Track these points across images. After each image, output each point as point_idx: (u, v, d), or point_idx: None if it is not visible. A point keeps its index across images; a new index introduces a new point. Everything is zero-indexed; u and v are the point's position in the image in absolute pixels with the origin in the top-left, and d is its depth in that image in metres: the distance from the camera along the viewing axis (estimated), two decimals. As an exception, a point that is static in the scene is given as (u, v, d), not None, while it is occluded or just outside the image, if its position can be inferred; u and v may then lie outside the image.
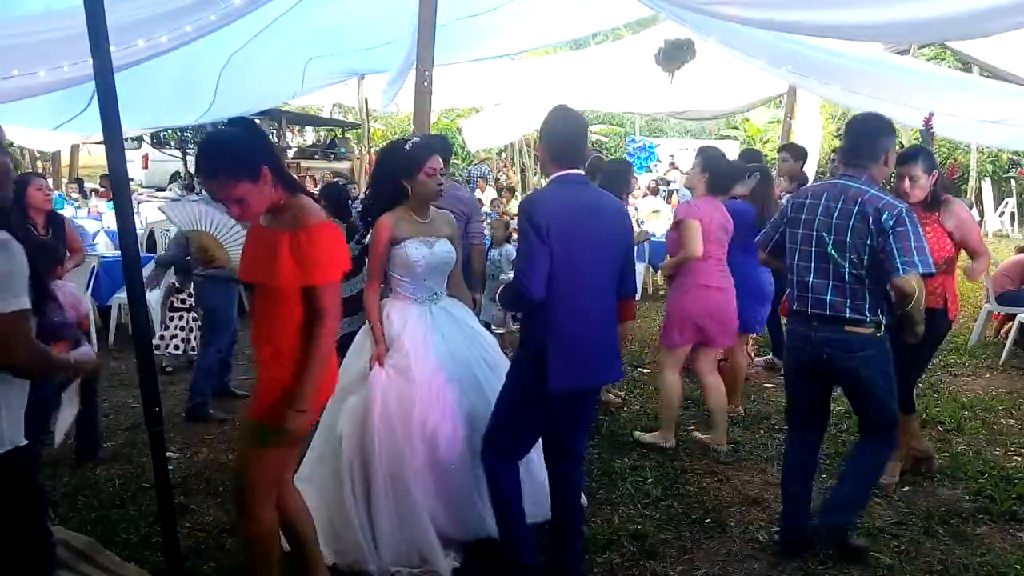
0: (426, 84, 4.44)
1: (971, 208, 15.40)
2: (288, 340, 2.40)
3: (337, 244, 2.41)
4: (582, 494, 3.24)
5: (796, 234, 3.27)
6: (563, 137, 2.88)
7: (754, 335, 5.69)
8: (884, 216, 3.02)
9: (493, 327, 5.64)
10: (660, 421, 4.62)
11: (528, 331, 2.93)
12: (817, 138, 10.49)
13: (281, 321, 2.39)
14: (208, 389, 5.02)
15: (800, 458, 3.41)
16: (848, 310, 3.11)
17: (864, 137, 3.25)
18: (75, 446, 4.18)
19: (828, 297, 3.14)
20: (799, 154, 6.01)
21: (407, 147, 3.26)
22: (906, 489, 3.99)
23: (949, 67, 16.17)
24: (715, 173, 4.51)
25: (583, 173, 2.93)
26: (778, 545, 3.38)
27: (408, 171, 3.22)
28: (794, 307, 3.27)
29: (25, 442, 2.01)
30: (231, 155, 2.31)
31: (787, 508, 3.40)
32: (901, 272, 2.98)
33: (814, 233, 3.19)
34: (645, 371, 6.09)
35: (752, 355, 5.87)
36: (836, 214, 3.13)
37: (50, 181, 15.36)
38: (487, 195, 13.93)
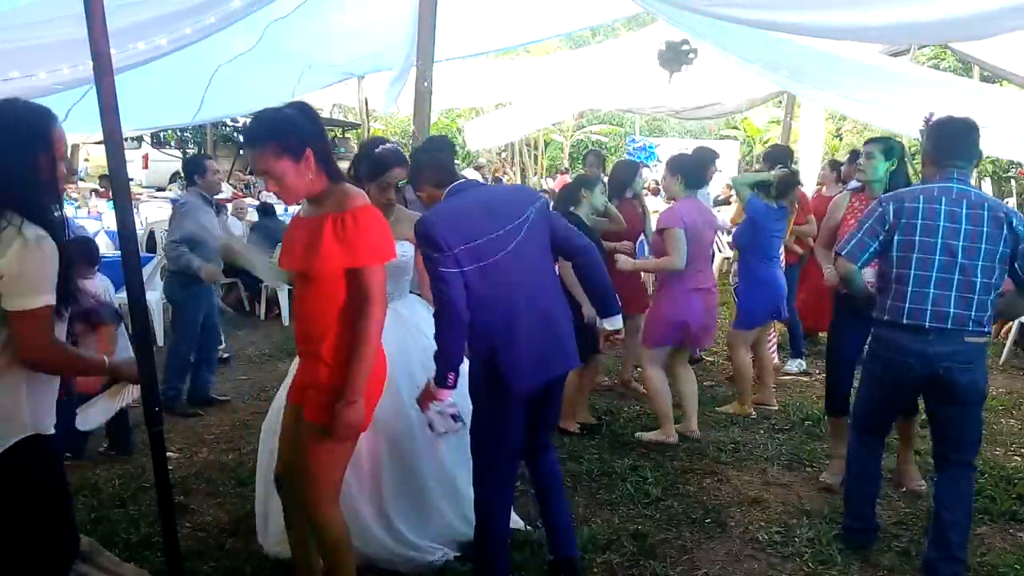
0: (426, 84, 4.43)
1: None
2: (344, 334, 2.36)
3: (382, 228, 2.38)
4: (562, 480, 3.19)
5: (912, 242, 3.03)
6: (436, 161, 2.85)
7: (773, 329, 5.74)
8: (1015, 221, 2.97)
9: None
10: (657, 418, 4.63)
11: (472, 346, 2.75)
12: (820, 137, 10.49)
13: (333, 314, 2.37)
14: (178, 382, 5.10)
15: (867, 466, 3.38)
16: (971, 322, 2.99)
17: (961, 138, 3.12)
18: (106, 443, 4.33)
19: (951, 309, 2.99)
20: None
21: (376, 150, 3.18)
22: (905, 489, 3.98)
23: (949, 67, 16.16)
24: (685, 171, 4.57)
25: (469, 179, 2.97)
26: (841, 540, 3.40)
27: (370, 175, 3.13)
28: (904, 320, 3.05)
29: (51, 431, 2.02)
30: (279, 130, 2.32)
31: (856, 507, 3.39)
32: None
33: (939, 241, 2.99)
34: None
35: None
36: (965, 220, 2.98)
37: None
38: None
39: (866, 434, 3.36)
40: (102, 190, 11.80)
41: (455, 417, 2.70)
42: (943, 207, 3.00)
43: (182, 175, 19.64)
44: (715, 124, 21.83)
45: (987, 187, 17.20)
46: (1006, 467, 4.32)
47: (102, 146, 2.55)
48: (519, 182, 21.30)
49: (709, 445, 4.57)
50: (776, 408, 5.23)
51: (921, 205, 3.03)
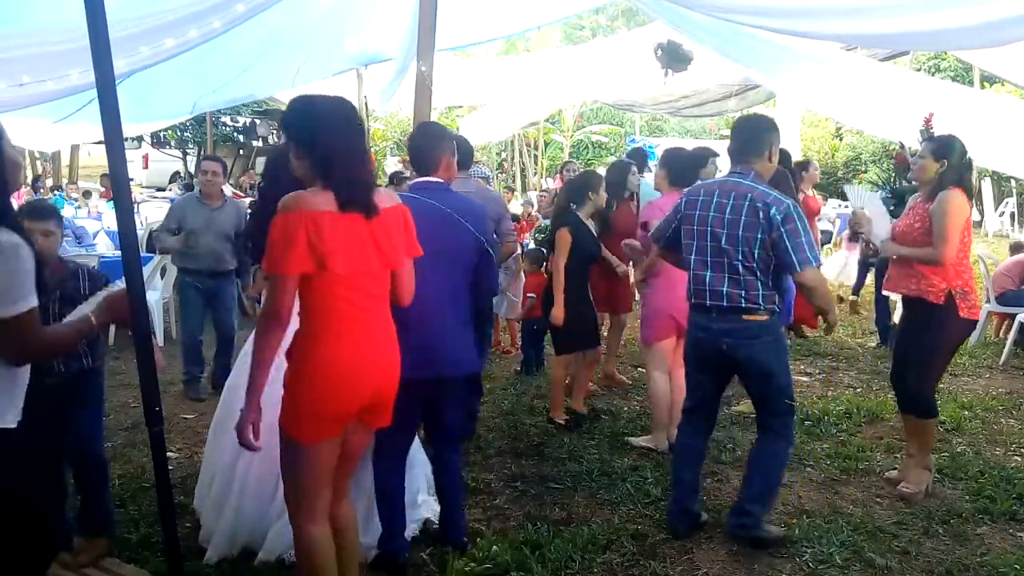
0: (427, 83, 4.44)
1: (971, 209, 15.49)
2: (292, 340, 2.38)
3: (282, 235, 2.25)
4: (460, 475, 3.39)
5: (692, 230, 3.37)
6: (416, 148, 3.12)
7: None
8: (772, 211, 3.16)
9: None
10: (652, 423, 4.60)
11: None
12: (796, 133, 10.53)
13: None
14: (190, 367, 5.44)
15: (690, 443, 3.57)
16: (743, 300, 3.26)
17: (749, 135, 3.38)
18: None
19: (724, 289, 3.28)
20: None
21: None
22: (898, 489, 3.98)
23: (949, 66, 16.13)
24: (673, 167, 4.57)
25: (439, 180, 3.09)
26: (668, 527, 3.53)
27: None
28: (692, 300, 3.40)
29: (12, 425, 1.97)
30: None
31: (676, 491, 3.55)
32: (799, 269, 3.16)
33: (708, 229, 3.31)
34: (644, 370, 6.08)
35: None
36: (728, 210, 3.26)
37: (49, 181, 15.37)
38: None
39: (686, 412, 3.60)
40: (103, 190, 11.80)
41: None
42: (714, 199, 3.31)
43: (182, 175, 19.68)
44: (715, 123, 21.84)
45: (987, 188, 17.21)
46: (1006, 467, 4.32)
47: (102, 146, 2.54)
48: (519, 182, 21.34)
49: (709, 445, 4.55)
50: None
51: (700, 198, 3.36)
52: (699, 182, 3.48)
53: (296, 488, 2.44)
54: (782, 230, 3.13)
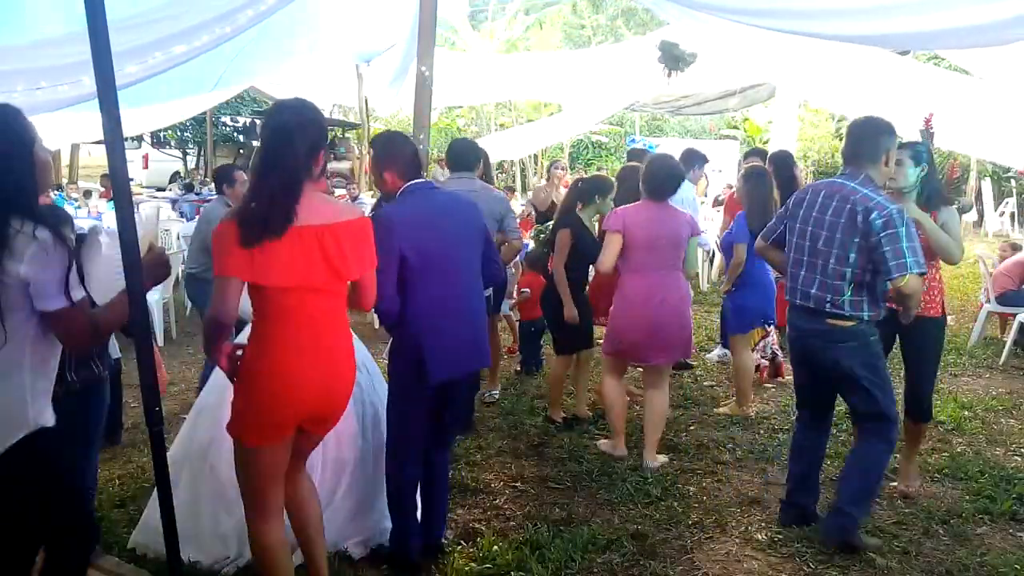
0: (427, 83, 4.44)
1: (970, 208, 15.44)
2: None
3: (218, 241, 2.31)
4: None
5: (794, 229, 3.40)
6: (404, 156, 3.05)
7: (765, 331, 5.62)
8: (873, 215, 3.12)
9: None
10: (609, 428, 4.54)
11: (400, 335, 3.01)
12: (793, 133, 10.55)
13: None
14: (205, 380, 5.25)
15: (801, 438, 3.63)
16: (828, 304, 3.26)
17: (864, 138, 3.33)
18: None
19: (813, 291, 3.30)
20: (763, 157, 6.32)
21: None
22: (897, 487, 3.98)
23: (948, 65, 16.09)
24: (646, 180, 4.26)
25: (428, 180, 3.15)
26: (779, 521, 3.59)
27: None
28: (788, 298, 3.44)
29: (51, 423, 2.04)
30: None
31: (788, 485, 3.65)
32: (895, 275, 3.10)
33: (808, 228, 3.31)
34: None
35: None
36: (829, 211, 3.24)
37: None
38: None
39: (797, 411, 3.72)
40: (103, 190, 11.80)
41: None
42: (819, 200, 3.30)
43: (181, 175, 19.65)
44: (715, 123, 21.82)
45: (987, 188, 17.18)
46: (1006, 467, 4.32)
47: (102, 146, 2.54)
48: (519, 182, 21.33)
49: (709, 445, 4.57)
50: (752, 417, 5.09)
51: (806, 197, 3.36)
52: (812, 182, 3.50)
53: (246, 488, 2.52)
54: (881, 236, 3.09)
